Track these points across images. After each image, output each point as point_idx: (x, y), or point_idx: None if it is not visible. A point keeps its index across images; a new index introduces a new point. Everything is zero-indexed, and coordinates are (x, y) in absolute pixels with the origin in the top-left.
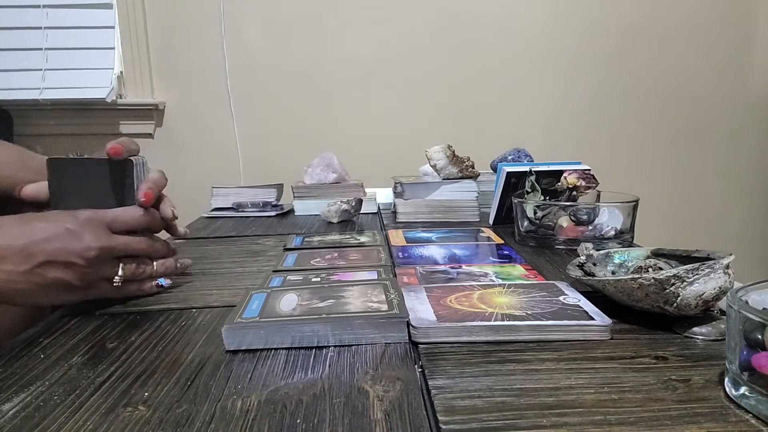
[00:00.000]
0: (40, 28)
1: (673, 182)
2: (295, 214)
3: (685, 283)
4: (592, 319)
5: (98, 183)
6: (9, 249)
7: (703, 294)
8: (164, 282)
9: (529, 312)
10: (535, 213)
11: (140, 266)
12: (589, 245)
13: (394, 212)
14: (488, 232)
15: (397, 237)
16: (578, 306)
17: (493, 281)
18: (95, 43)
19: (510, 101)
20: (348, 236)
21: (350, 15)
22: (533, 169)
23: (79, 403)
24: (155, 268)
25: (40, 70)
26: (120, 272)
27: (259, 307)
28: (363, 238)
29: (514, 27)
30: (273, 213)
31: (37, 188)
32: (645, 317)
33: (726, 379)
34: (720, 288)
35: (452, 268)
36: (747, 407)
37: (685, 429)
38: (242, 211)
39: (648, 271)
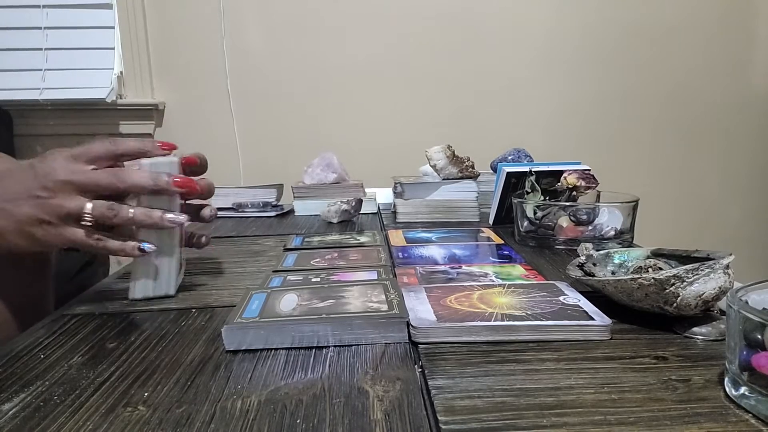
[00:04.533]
0: (40, 28)
1: (672, 182)
2: (295, 214)
3: (685, 283)
4: (592, 319)
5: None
6: None
7: (703, 294)
8: (147, 246)
9: (529, 312)
10: (535, 213)
11: (112, 208)
12: (589, 245)
13: (394, 212)
14: (488, 232)
15: (397, 237)
16: (578, 306)
17: (493, 281)
18: (95, 43)
19: (510, 101)
20: (348, 236)
21: (350, 16)
22: (533, 169)
23: (79, 403)
24: (133, 213)
25: (40, 70)
26: (88, 207)
27: (259, 307)
28: (363, 238)
29: (514, 27)
30: (273, 213)
31: None
32: (645, 317)
33: (726, 379)
34: (720, 288)
35: (452, 268)
36: (747, 407)
37: (685, 429)
38: (242, 212)
39: (648, 271)
